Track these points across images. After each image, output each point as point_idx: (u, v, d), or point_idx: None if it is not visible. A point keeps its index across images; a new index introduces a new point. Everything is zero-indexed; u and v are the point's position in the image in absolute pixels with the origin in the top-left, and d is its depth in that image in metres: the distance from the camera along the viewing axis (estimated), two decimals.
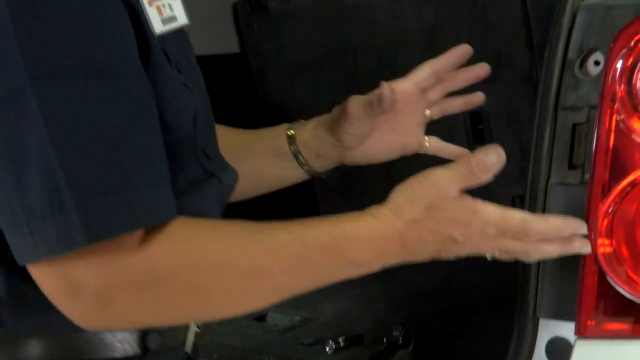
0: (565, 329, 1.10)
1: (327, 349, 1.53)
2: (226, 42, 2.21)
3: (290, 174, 1.33)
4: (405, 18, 2.01)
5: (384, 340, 1.52)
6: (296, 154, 1.31)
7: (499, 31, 1.92)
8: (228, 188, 1.13)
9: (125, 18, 0.90)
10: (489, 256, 0.98)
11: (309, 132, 1.31)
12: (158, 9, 0.96)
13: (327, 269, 0.96)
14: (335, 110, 1.29)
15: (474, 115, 2.00)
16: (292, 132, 1.31)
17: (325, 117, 1.31)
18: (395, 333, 1.52)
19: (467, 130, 2.04)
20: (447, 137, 2.01)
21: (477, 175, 0.94)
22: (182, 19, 1.00)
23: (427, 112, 1.31)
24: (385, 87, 1.22)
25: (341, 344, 1.54)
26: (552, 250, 0.98)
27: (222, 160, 1.13)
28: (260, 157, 1.33)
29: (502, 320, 1.20)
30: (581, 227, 0.99)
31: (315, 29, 2.14)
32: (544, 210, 1.11)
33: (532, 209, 1.12)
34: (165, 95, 0.95)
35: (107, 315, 0.89)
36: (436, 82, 1.29)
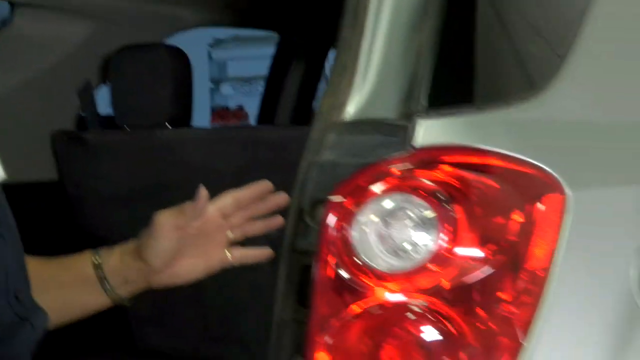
0: None
1: None
2: (45, 169, 2.31)
3: (95, 302, 1.40)
4: (213, 156, 2.15)
5: None
6: (102, 281, 1.38)
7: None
8: (40, 330, 1.18)
9: None
10: None
11: (116, 260, 1.39)
12: None
13: None
14: (142, 234, 1.38)
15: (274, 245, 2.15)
16: (99, 260, 1.39)
17: (130, 245, 1.39)
18: None
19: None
20: (253, 267, 2.15)
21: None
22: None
23: (230, 234, 1.43)
24: (202, 191, 1.33)
25: None
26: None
27: (33, 303, 1.19)
28: (65, 288, 1.38)
29: None
30: None
31: (131, 163, 2.25)
32: (279, 343, 1.24)
33: (271, 342, 1.24)
34: None
35: None
36: (238, 209, 1.41)
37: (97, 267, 1.36)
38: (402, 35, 1.34)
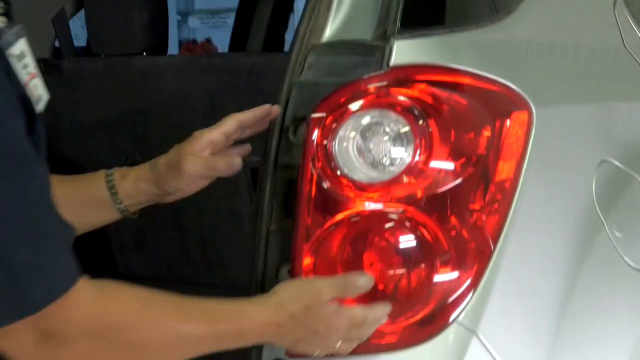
0: (282, 352, 1.30)
1: None
2: None
3: (107, 218, 1.43)
4: (188, 83, 2.20)
5: None
6: (116, 203, 1.41)
7: (273, 99, 2.15)
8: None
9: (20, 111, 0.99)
10: (331, 350, 1.23)
11: (130, 184, 1.41)
12: (30, 89, 1.02)
13: (221, 338, 1.15)
14: (162, 167, 1.39)
15: (253, 171, 2.22)
16: (113, 182, 1.42)
17: (146, 172, 1.42)
18: None
19: (249, 185, 2.24)
20: (233, 193, 2.22)
21: (348, 292, 1.22)
22: (45, 96, 1.06)
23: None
24: (236, 160, 1.36)
25: None
26: (371, 330, 1.24)
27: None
28: (79, 206, 1.38)
29: None
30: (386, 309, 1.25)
31: (107, 91, 2.30)
32: (266, 251, 1.32)
33: (257, 251, 1.32)
34: None
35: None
36: (240, 129, 1.44)
37: (112, 189, 1.41)
38: None
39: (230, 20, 9.79)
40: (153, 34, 2.27)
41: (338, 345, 1.22)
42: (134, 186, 1.41)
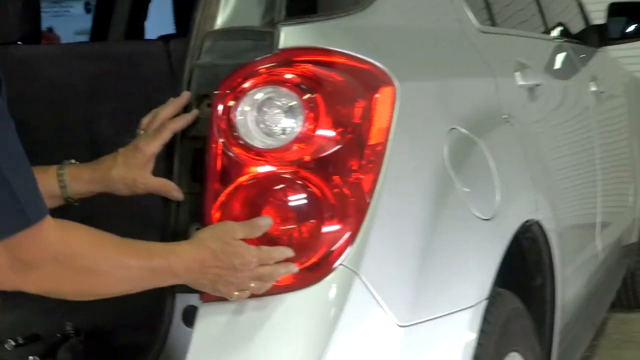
0: (195, 299, 1.50)
1: (7, 346, 1.80)
2: None
3: (52, 204, 1.56)
4: (69, 70, 2.33)
5: (58, 335, 1.83)
6: (66, 197, 1.61)
7: (151, 83, 2.31)
8: None
9: None
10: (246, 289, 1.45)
11: (81, 186, 1.59)
12: None
13: (155, 272, 1.37)
14: (117, 182, 1.57)
15: None
16: (64, 181, 1.59)
17: (98, 178, 1.59)
18: (68, 328, 1.83)
19: None
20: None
21: (254, 231, 1.45)
22: None
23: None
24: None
25: (20, 342, 1.82)
26: (271, 272, 1.45)
27: None
28: None
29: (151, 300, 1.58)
30: (287, 251, 1.46)
31: None
32: (177, 212, 1.51)
33: (168, 210, 1.52)
34: None
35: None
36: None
37: (62, 187, 1.59)
38: None
39: (74, 9, 9.69)
40: (28, 22, 2.37)
41: (252, 285, 1.43)
42: (84, 187, 1.61)
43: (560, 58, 3.00)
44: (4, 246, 1.23)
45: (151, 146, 1.56)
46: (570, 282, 2.72)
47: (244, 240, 1.44)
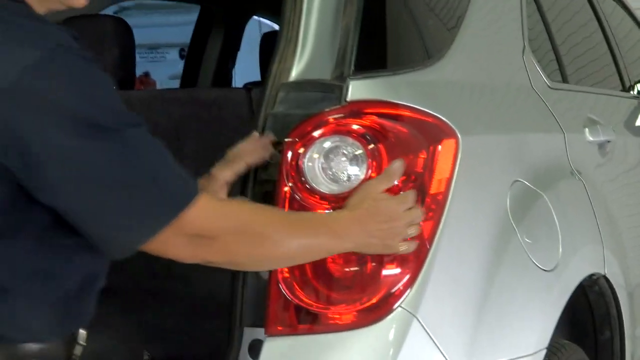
0: (261, 333, 1.60)
1: None
2: None
3: None
4: (157, 114, 2.48)
5: None
6: None
7: (232, 127, 2.45)
8: None
9: None
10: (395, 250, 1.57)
11: None
12: None
13: (315, 239, 1.49)
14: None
15: None
16: None
17: None
18: (145, 357, 1.95)
19: None
20: None
21: (392, 178, 1.56)
22: None
23: None
24: None
25: None
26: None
27: None
28: None
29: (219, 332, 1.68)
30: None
31: None
32: None
33: None
34: None
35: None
36: None
37: None
38: (330, 16, 1.73)
39: (169, 55, 10.03)
40: (123, 69, 2.54)
41: (402, 247, 1.55)
42: None
43: (636, 115, 3.03)
44: (177, 227, 1.34)
45: (224, 174, 1.68)
46: None
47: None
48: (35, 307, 1.37)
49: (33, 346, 1.38)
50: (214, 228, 1.39)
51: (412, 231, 1.56)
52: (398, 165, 1.57)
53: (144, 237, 1.34)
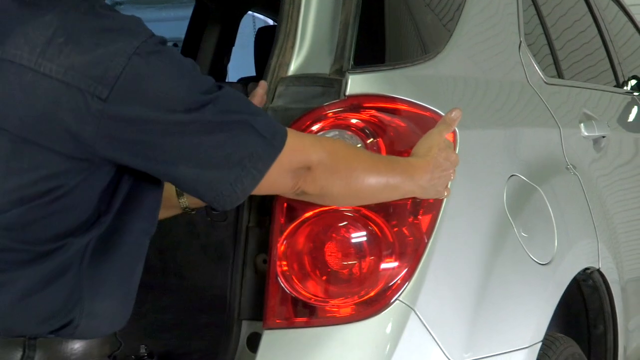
0: (259, 326, 1.60)
1: None
2: None
3: (170, 213, 1.82)
4: None
5: (132, 357, 1.94)
6: (185, 209, 1.82)
7: None
8: None
9: None
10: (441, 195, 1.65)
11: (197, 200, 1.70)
12: None
13: (397, 178, 1.57)
14: None
15: None
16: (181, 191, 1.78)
17: None
18: (142, 350, 1.95)
19: None
20: None
21: (451, 124, 1.65)
22: None
23: None
24: None
25: None
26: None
27: None
28: None
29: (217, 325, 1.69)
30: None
31: None
32: (245, 243, 1.62)
33: (238, 242, 1.63)
34: None
35: None
36: None
37: (181, 196, 1.80)
38: (329, 10, 1.74)
39: None
40: None
41: (445, 193, 1.65)
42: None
43: (630, 111, 3.05)
44: (280, 162, 1.42)
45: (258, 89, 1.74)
46: (635, 336, 2.74)
47: None
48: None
49: (75, 345, 1.46)
50: (307, 159, 1.46)
51: (453, 178, 1.65)
52: (456, 113, 1.64)
53: (257, 180, 1.41)
